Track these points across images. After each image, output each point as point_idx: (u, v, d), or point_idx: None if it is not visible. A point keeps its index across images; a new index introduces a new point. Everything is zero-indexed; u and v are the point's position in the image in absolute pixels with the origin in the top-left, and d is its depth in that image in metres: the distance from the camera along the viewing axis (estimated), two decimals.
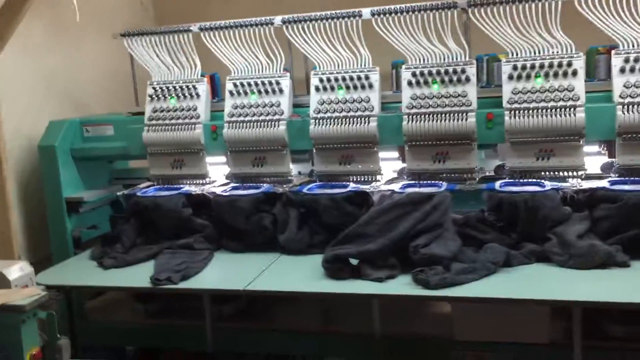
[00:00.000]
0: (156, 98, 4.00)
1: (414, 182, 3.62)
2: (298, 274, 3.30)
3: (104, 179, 4.61)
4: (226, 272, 3.48)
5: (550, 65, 3.40)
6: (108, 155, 4.31)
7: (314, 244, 3.62)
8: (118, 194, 4.00)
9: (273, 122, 3.75)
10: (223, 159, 4.03)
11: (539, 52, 3.44)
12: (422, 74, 3.56)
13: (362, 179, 3.74)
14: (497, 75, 3.58)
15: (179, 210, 3.77)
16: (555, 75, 3.37)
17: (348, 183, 3.71)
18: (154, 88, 4.03)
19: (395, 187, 3.56)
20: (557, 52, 3.41)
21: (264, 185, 3.84)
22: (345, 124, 3.63)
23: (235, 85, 3.87)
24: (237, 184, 3.92)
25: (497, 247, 3.22)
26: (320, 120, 3.67)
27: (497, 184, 3.45)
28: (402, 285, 3.04)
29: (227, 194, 3.77)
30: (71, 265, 3.77)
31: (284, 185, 3.80)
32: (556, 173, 3.43)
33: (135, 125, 4.04)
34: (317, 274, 3.23)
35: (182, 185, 4.00)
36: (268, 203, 3.74)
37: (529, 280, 3.02)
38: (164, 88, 4.01)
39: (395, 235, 3.19)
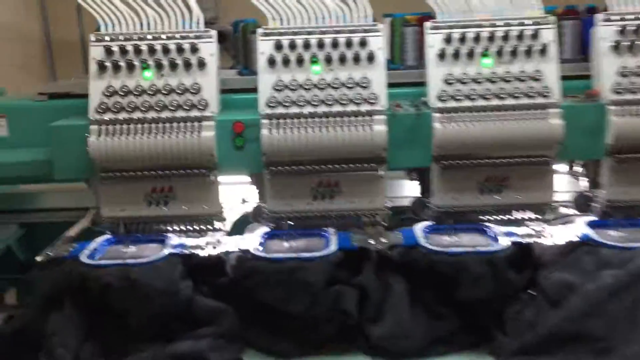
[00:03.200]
0: (112, 67, 2.04)
1: (604, 220, 2.09)
2: None
3: None
4: None
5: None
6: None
7: (435, 337, 1.97)
8: (38, 258, 1.99)
9: (361, 117, 2.00)
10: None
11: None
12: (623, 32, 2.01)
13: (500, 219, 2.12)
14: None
15: (174, 289, 1.91)
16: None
17: (481, 225, 2.09)
18: (106, 48, 2.03)
19: (578, 232, 2.00)
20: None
21: (328, 232, 2.09)
22: (501, 118, 1.97)
23: (278, 46, 2.05)
24: (274, 230, 2.12)
25: None
26: (452, 114, 1.99)
27: None
28: None
29: (272, 256, 1.95)
30: None
31: (374, 235, 2.06)
32: None
33: (70, 123, 2.05)
34: None
35: (162, 235, 2.10)
36: (346, 267, 2.01)
37: None
38: (129, 49, 2.05)
39: None
